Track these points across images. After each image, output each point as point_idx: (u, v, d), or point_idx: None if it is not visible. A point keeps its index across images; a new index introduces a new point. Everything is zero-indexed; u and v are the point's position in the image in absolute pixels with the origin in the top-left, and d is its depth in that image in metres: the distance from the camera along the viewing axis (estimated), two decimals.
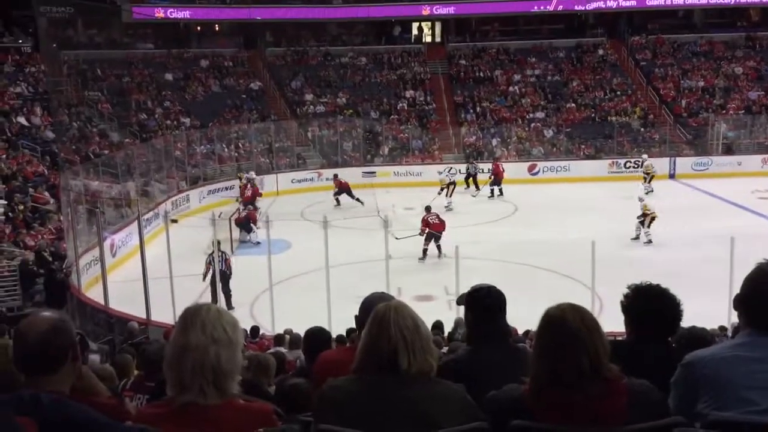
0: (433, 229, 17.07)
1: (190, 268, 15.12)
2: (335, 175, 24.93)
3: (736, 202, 22.43)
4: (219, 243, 14.49)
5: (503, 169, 25.17)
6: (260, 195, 22.72)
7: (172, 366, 2.08)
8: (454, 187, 23.44)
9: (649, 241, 17.91)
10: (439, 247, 17.04)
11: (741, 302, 2.39)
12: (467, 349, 3.07)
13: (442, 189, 23.15)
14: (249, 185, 22.53)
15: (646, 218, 18.34)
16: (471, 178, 26.07)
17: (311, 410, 4.46)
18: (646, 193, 22.46)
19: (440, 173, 24.42)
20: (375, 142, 30.06)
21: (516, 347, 3.11)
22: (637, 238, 18.29)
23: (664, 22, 36.96)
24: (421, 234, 17.12)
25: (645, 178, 25.13)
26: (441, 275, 13.53)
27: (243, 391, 2.21)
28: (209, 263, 14.14)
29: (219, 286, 13.82)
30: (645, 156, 26.81)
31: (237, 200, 22.60)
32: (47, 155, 22.46)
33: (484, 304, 3.04)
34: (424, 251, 17.10)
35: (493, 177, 24.89)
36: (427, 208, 18.37)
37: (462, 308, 3.23)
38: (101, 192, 19.99)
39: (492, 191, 24.81)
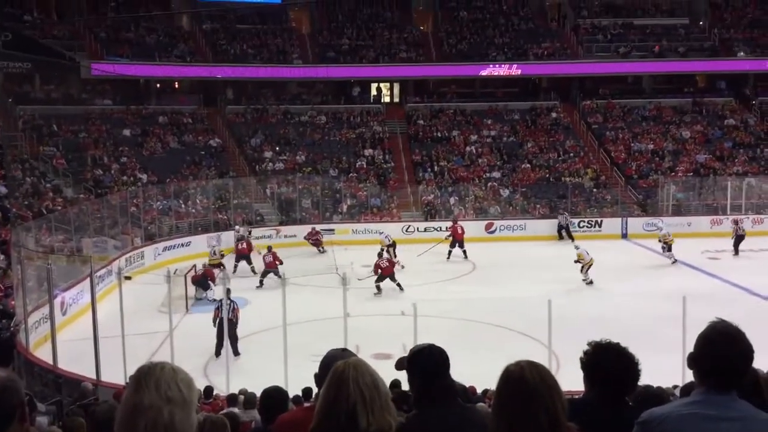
0: (384, 273, 19.65)
1: (143, 325, 14.82)
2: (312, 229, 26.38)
3: (687, 262, 22.91)
4: (229, 291, 14.69)
5: (462, 230, 24.68)
6: (252, 249, 23.18)
7: (124, 427, 2.02)
8: (395, 248, 23.51)
9: (590, 282, 19.93)
10: (398, 285, 19.67)
11: (695, 360, 2.43)
12: (414, 413, 2.95)
13: (382, 250, 22.96)
14: (243, 241, 23.54)
15: (583, 266, 20.02)
16: (563, 230, 27.85)
17: None
18: (673, 263, 22.78)
19: (381, 233, 24.73)
20: (334, 199, 30.15)
21: (465, 406, 3.03)
22: (589, 283, 20.07)
23: (614, 87, 38.24)
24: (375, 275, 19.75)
25: (663, 248, 23.51)
26: (399, 333, 13.43)
27: None
28: (218, 309, 14.36)
29: (225, 332, 13.90)
30: (660, 224, 26.06)
31: (221, 255, 22.70)
32: None
33: (427, 365, 2.93)
34: (378, 287, 19.61)
35: (451, 238, 24.57)
36: (379, 253, 20.78)
37: None
38: (53, 248, 19.58)
39: (450, 252, 24.37)
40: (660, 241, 23.59)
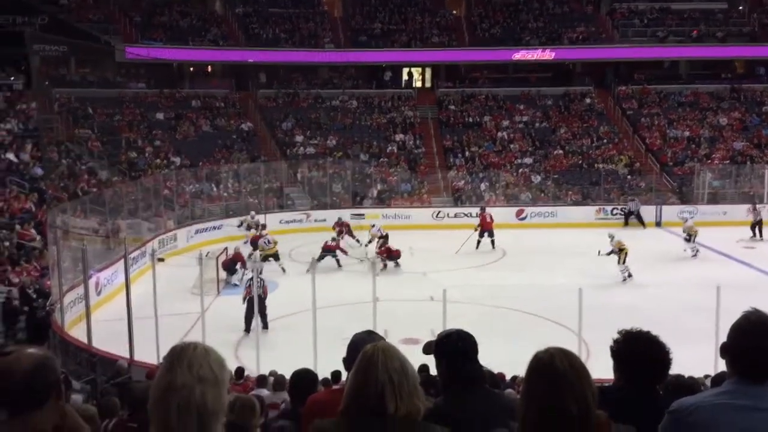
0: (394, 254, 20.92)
1: (175, 307, 15.04)
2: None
3: (721, 251, 22.57)
4: (260, 270, 15.57)
5: (491, 218, 23.98)
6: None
7: (157, 406, 2.05)
8: (387, 240, 22.30)
9: (629, 276, 18.82)
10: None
11: (727, 351, 2.40)
12: (442, 397, 2.98)
13: (370, 241, 22.93)
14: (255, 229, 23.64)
15: (621, 254, 19.13)
16: (633, 216, 27.58)
17: None
18: (693, 255, 22.06)
19: (373, 226, 23.55)
20: (364, 184, 30.17)
21: (492, 392, 3.05)
22: (628, 277, 19.07)
23: (650, 72, 37.61)
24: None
25: (686, 239, 22.66)
26: (428, 318, 13.43)
27: None
28: (249, 287, 14.91)
29: (256, 309, 14.19)
30: (686, 215, 25.29)
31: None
32: (35, 192, 22.37)
33: (456, 349, 2.96)
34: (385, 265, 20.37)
35: (480, 227, 23.71)
36: (368, 242, 22.92)
37: None
38: (88, 229, 19.91)
39: (478, 242, 23.59)
40: (684, 231, 22.91)
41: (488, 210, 24.80)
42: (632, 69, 37.46)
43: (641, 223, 27.49)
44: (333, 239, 21.72)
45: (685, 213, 26.12)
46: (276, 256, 20.70)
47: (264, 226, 23.76)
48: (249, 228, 23.88)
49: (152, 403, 2.08)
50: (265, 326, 14.74)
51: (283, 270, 20.15)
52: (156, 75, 35.30)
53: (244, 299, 15.01)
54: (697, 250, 22.13)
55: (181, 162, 29.49)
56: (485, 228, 23.68)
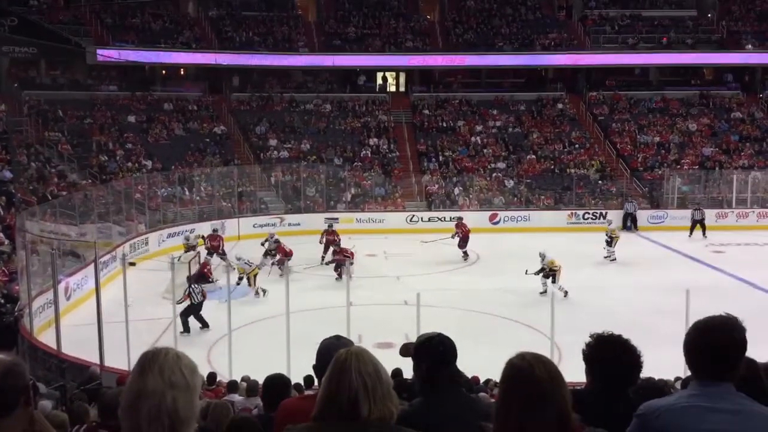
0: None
1: (146, 312, 14.89)
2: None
3: (691, 255, 22.90)
4: (191, 278, 15.51)
5: (467, 229, 23.27)
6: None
7: (128, 412, 2.03)
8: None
9: (566, 294, 17.07)
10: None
11: (687, 350, 2.44)
12: (420, 399, 2.98)
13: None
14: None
15: (555, 273, 18.02)
16: (629, 218, 27.89)
17: None
18: (611, 260, 22.00)
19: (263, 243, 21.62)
20: (338, 188, 30.14)
21: (469, 396, 3.06)
22: (564, 296, 17.00)
23: (621, 78, 38.07)
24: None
25: (607, 242, 22.57)
26: (401, 322, 13.47)
27: None
28: (188, 294, 15.15)
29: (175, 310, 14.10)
30: (610, 219, 25.38)
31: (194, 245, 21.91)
32: (3, 195, 22.03)
33: (437, 352, 2.96)
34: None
35: (460, 238, 22.98)
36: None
37: None
38: (58, 234, 19.63)
39: (465, 254, 22.83)
40: (607, 235, 22.60)
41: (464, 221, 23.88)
42: (604, 75, 37.89)
43: (635, 226, 27.79)
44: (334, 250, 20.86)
45: (609, 217, 26.13)
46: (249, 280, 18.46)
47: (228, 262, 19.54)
48: (188, 249, 20.79)
49: (123, 409, 2.05)
50: (185, 329, 15.05)
51: (258, 292, 18.18)
52: (128, 78, 34.95)
53: (180, 302, 14.89)
54: (614, 258, 22.10)
55: (153, 165, 29.23)
56: (465, 236, 22.95)
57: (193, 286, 15.50)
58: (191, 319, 15.35)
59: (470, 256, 22.99)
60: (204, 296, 15.52)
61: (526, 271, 18.02)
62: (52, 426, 2.47)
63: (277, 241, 21.28)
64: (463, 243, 22.95)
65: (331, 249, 21.31)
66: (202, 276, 18.52)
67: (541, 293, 17.83)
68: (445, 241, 23.34)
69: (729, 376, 2.35)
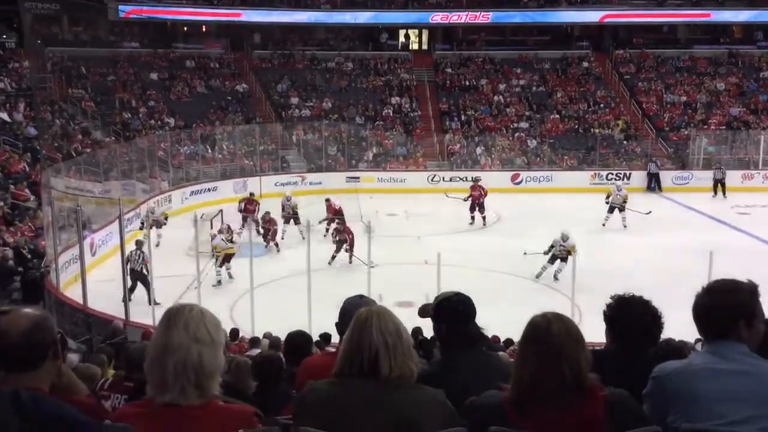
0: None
1: (170, 269, 15.07)
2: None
3: (715, 217, 22.66)
4: (140, 243, 14.64)
5: (484, 192, 22.07)
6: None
7: (154, 366, 2.08)
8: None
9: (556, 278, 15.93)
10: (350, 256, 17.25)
11: (694, 312, 2.47)
12: (440, 358, 3.01)
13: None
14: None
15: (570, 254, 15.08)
16: (654, 179, 27.52)
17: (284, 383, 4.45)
18: (624, 226, 20.82)
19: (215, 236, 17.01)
20: (359, 147, 30.07)
21: (488, 354, 3.07)
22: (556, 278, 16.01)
23: (648, 36, 37.34)
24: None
25: (622, 209, 21.11)
26: (422, 282, 13.54)
27: (223, 393, 2.21)
28: (126, 260, 13.85)
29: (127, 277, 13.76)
30: (619, 183, 23.50)
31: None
32: (29, 152, 22.26)
33: (456, 311, 2.96)
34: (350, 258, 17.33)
35: (470, 198, 22.00)
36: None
37: None
38: (83, 190, 19.84)
39: (472, 218, 21.97)
40: (617, 201, 21.14)
41: (482, 183, 22.61)
42: (631, 33, 37.18)
43: (659, 186, 27.56)
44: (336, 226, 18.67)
45: (618, 182, 24.21)
46: (228, 258, 16.19)
47: (229, 228, 17.48)
48: (152, 226, 17.46)
49: (149, 362, 2.10)
50: (150, 301, 13.08)
51: (219, 282, 15.93)
52: (150, 34, 34.89)
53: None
54: (626, 225, 20.87)
55: (175, 123, 29.32)
56: (475, 200, 21.97)
57: (133, 251, 14.50)
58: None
59: (492, 215, 22.76)
60: (145, 266, 14.39)
61: (525, 252, 16.40)
62: (82, 378, 2.53)
63: (294, 206, 20.03)
64: (472, 207, 21.87)
65: (333, 227, 19.12)
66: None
67: (537, 276, 16.27)
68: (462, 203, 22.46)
69: (738, 335, 2.36)
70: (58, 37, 33.63)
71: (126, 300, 13.10)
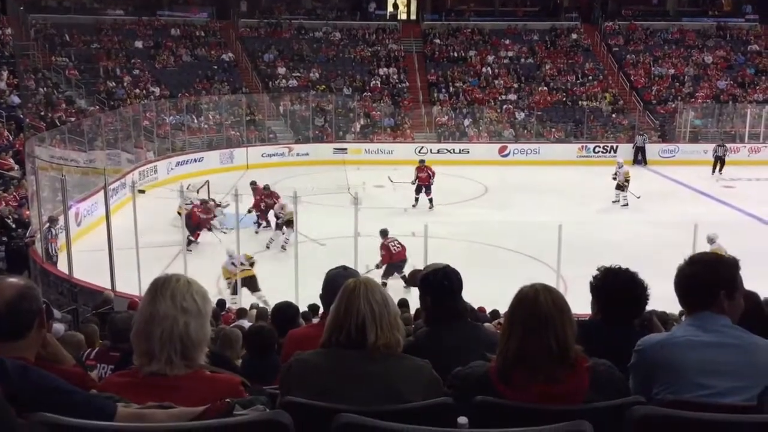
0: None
1: (155, 239, 15.02)
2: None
3: (701, 190, 22.80)
4: (53, 221, 14.22)
5: (430, 173, 20.50)
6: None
7: (140, 335, 2.08)
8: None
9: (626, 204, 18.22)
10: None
11: (678, 286, 2.51)
12: (426, 330, 3.00)
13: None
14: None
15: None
16: (641, 152, 27.49)
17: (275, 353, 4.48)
18: (623, 206, 20.38)
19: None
20: (347, 118, 29.91)
21: (474, 325, 3.08)
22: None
23: (637, 8, 37.24)
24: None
25: (623, 187, 20.64)
26: (409, 253, 13.57)
27: (210, 363, 2.21)
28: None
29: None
30: (620, 161, 22.15)
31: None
32: (12, 120, 21.97)
33: (442, 285, 2.96)
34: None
35: (416, 182, 20.51)
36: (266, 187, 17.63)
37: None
38: (67, 159, 19.65)
39: (416, 200, 20.31)
40: (616, 178, 20.78)
41: (427, 163, 21.21)
42: (620, 5, 37.06)
43: (644, 160, 27.61)
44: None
45: (619, 159, 23.27)
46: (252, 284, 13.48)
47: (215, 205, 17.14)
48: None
49: (135, 332, 2.10)
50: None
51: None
52: (134, 2, 34.39)
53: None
54: (627, 203, 20.49)
55: (160, 92, 29.03)
56: (421, 183, 20.43)
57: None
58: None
59: (479, 187, 22.79)
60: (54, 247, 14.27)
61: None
62: (66, 347, 2.52)
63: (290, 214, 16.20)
64: (419, 189, 20.33)
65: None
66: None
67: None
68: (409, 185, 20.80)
69: (719, 307, 2.39)
70: (41, 4, 33.07)
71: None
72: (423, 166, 20.74)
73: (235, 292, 12.94)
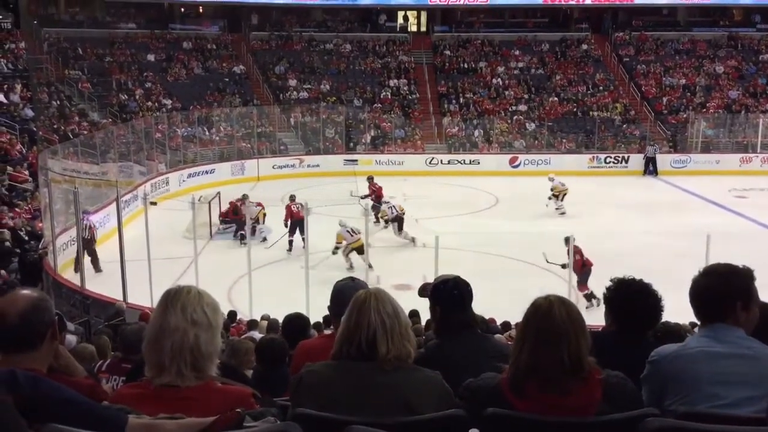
0: (296, 217, 15.93)
1: (167, 250, 15.06)
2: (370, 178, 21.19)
3: (713, 200, 22.68)
4: (86, 211, 14.91)
5: (379, 190, 20.42)
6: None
7: (151, 347, 2.08)
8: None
9: (563, 212, 18.56)
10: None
11: (690, 296, 2.48)
12: (436, 342, 3.00)
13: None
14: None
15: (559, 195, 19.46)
16: (651, 162, 27.56)
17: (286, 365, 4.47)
18: (561, 213, 20.53)
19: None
20: (357, 130, 29.98)
21: (485, 336, 3.07)
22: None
23: (648, 18, 37.19)
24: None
25: (557, 197, 20.83)
26: (420, 264, 13.54)
27: (221, 375, 2.21)
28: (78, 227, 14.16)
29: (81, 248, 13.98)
30: (552, 176, 21.50)
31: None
32: (26, 133, 22.16)
33: (452, 296, 2.96)
34: (290, 242, 16.49)
35: (373, 197, 20.19)
36: (291, 197, 17.63)
37: None
38: (80, 172, 19.78)
39: (377, 217, 18.86)
40: (552, 191, 20.87)
41: (376, 180, 21.13)
42: (630, 15, 37.02)
43: (655, 170, 27.52)
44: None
45: (551, 174, 22.04)
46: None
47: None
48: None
49: (146, 344, 2.10)
50: (96, 269, 14.81)
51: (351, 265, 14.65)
52: (146, 15, 34.70)
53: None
54: (563, 211, 20.49)
55: (172, 105, 29.21)
56: (379, 195, 20.16)
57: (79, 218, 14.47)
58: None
59: (491, 198, 22.76)
60: (92, 233, 15.24)
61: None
62: (79, 359, 2.53)
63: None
64: (378, 203, 19.60)
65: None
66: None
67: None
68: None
69: (734, 319, 2.37)
70: (55, 18, 33.41)
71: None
72: (372, 183, 20.70)
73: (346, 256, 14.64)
